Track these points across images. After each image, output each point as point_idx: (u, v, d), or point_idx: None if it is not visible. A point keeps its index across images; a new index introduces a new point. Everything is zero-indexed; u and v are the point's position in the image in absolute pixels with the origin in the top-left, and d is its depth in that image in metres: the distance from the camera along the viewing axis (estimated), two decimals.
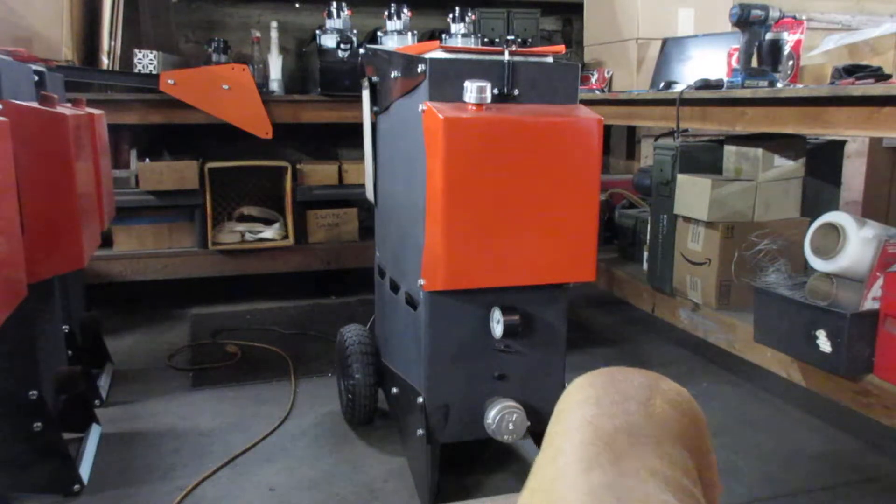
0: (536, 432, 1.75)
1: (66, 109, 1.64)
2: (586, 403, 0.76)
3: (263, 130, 2.93)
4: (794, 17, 2.36)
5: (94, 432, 1.92)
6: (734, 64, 2.31)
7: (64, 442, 1.63)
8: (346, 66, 3.02)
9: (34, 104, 1.54)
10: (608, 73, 3.28)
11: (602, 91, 3.22)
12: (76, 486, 1.65)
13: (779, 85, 2.20)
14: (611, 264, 2.95)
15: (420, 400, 1.58)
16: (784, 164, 2.30)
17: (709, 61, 2.79)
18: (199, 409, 2.13)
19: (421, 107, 1.45)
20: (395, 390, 1.80)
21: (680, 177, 2.35)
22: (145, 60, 2.88)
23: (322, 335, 2.77)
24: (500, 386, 1.60)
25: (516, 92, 1.50)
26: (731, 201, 2.25)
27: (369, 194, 2.04)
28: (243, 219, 3.24)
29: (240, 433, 1.97)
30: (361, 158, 2.09)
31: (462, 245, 1.46)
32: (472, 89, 1.42)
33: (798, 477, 1.78)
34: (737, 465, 1.83)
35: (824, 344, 1.80)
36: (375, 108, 1.91)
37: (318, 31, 3.08)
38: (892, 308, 1.71)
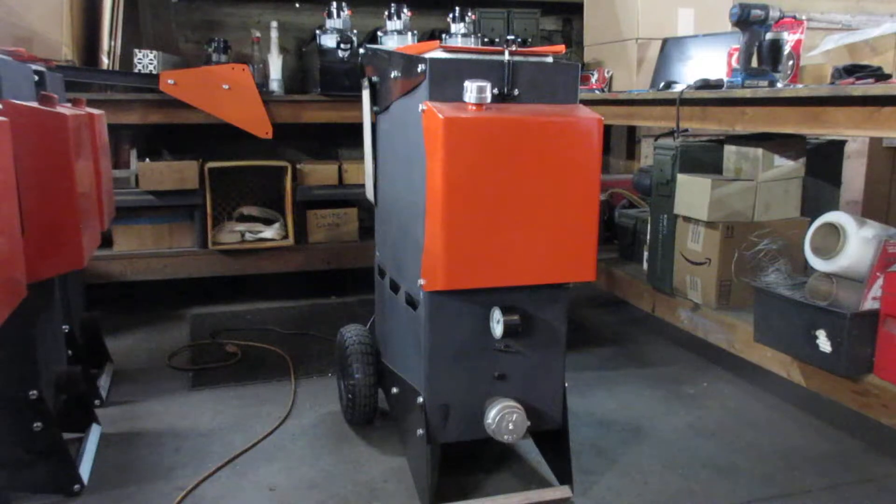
0: (536, 432, 1.75)
1: (66, 109, 1.64)
2: None
3: (263, 130, 2.93)
4: (794, 17, 2.36)
5: (94, 432, 1.92)
6: (734, 64, 2.31)
7: (64, 442, 1.63)
8: (346, 66, 3.02)
9: (34, 104, 1.54)
10: (608, 73, 3.28)
11: (602, 91, 3.22)
12: (76, 486, 1.65)
13: (779, 85, 2.20)
14: (611, 264, 2.95)
15: (420, 400, 1.58)
16: (784, 164, 2.30)
17: (709, 61, 2.79)
18: (199, 409, 2.13)
19: (421, 107, 1.45)
20: (395, 390, 1.80)
21: (680, 177, 2.35)
22: (145, 60, 2.88)
23: (322, 335, 2.77)
24: (500, 386, 1.60)
25: (516, 92, 1.50)
26: (731, 201, 2.25)
27: (369, 194, 2.04)
28: (243, 219, 3.24)
29: (240, 433, 1.97)
30: (361, 158, 2.09)
31: (462, 245, 1.46)
32: (472, 89, 1.42)
33: (798, 477, 1.78)
34: (737, 465, 1.83)
35: (824, 344, 1.80)
36: (375, 108, 1.91)
37: (318, 31, 3.08)
38: (892, 308, 1.71)
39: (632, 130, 3.93)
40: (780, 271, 2.06)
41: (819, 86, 2.17)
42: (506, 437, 1.56)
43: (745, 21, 2.19)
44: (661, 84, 2.64)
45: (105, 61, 2.83)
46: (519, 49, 1.51)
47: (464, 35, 3.12)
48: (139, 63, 2.88)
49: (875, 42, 2.55)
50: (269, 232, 3.13)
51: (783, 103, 1.93)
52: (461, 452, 1.81)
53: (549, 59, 1.54)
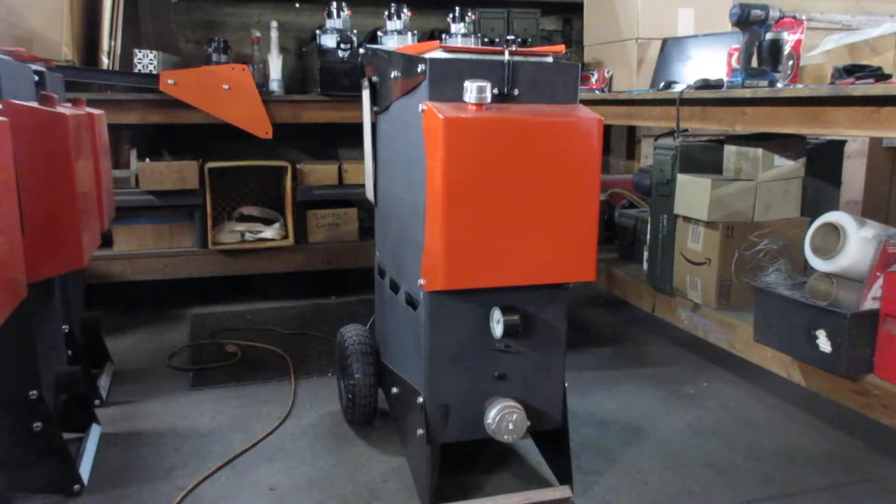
0: (536, 432, 1.75)
1: (66, 109, 1.64)
2: None
3: (263, 130, 2.93)
4: (794, 17, 2.36)
5: (94, 432, 1.92)
6: (734, 64, 2.31)
7: (64, 442, 1.63)
8: (346, 66, 3.02)
9: (34, 104, 1.54)
10: (608, 73, 3.28)
11: (602, 91, 3.22)
12: (76, 486, 1.65)
13: (779, 85, 2.20)
14: (611, 264, 2.95)
15: (420, 400, 1.58)
16: (784, 164, 2.30)
17: (709, 61, 2.79)
18: (199, 409, 2.13)
19: (421, 107, 1.45)
20: (395, 390, 1.80)
21: (680, 177, 2.35)
22: (145, 60, 2.88)
23: (322, 335, 2.77)
24: (500, 386, 1.60)
25: (516, 92, 1.50)
26: (731, 201, 2.25)
27: (369, 194, 2.05)
28: (243, 219, 3.24)
29: (240, 433, 1.97)
30: (361, 158, 2.09)
31: (462, 245, 1.46)
32: (472, 89, 1.42)
33: (798, 477, 1.78)
34: (736, 465, 1.83)
35: (824, 344, 1.80)
36: (375, 108, 1.91)
37: (318, 31, 3.08)
38: (892, 308, 1.71)
39: (632, 130, 3.93)
40: (780, 271, 2.06)
41: (819, 86, 2.17)
42: (506, 437, 1.56)
43: (745, 21, 2.19)
44: (661, 84, 2.64)
45: (105, 61, 2.83)
46: (519, 49, 1.51)
47: (464, 35, 3.12)
48: (139, 63, 2.88)
49: (875, 42, 2.56)
50: (269, 232, 3.13)
51: (783, 103, 1.93)
52: (461, 452, 1.81)
53: (549, 59, 1.54)
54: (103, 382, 2.24)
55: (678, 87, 2.46)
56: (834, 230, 1.89)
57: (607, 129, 3.74)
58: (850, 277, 1.85)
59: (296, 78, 3.53)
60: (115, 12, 2.82)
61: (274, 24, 3.19)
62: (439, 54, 1.49)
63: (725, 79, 2.26)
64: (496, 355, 1.59)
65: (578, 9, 3.62)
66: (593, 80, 3.29)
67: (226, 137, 3.05)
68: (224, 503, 1.65)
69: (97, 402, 2.12)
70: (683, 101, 2.28)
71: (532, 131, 1.45)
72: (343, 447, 1.91)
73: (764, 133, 2.22)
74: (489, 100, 1.43)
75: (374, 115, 1.93)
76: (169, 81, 2.78)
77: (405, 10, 3.05)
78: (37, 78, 1.76)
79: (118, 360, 2.47)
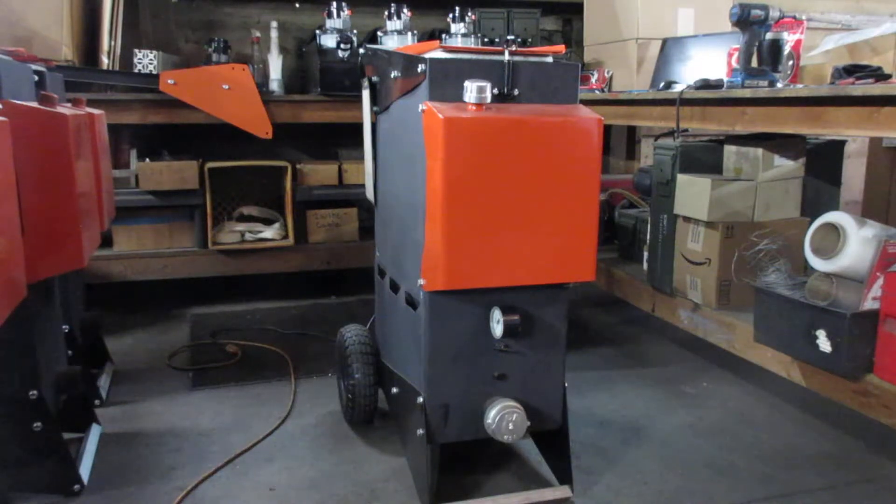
0: (536, 432, 1.75)
1: (66, 109, 1.64)
2: None
3: (263, 130, 2.93)
4: (794, 17, 2.36)
5: (94, 432, 1.92)
6: (734, 64, 2.31)
7: (64, 442, 1.63)
8: (346, 66, 3.02)
9: (34, 104, 1.54)
10: (608, 73, 3.28)
11: (602, 91, 3.22)
12: (76, 486, 1.65)
13: (779, 85, 2.20)
14: (611, 264, 2.95)
15: (420, 400, 1.58)
16: (784, 164, 2.30)
17: (709, 61, 2.79)
18: (199, 409, 2.13)
19: (421, 107, 1.45)
20: (395, 390, 1.80)
21: (680, 177, 2.35)
22: (145, 60, 2.88)
23: (322, 335, 2.77)
24: (500, 386, 1.60)
25: (516, 92, 1.50)
26: (731, 201, 2.25)
27: (369, 194, 2.05)
28: (243, 219, 3.24)
29: (240, 433, 1.97)
30: (361, 158, 2.09)
31: (462, 245, 1.46)
32: (472, 89, 1.42)
33: (798, 477, 1.78)
34: (736, 465, 1.83)
35: (824, 344, 1.80)
36: (375, 108, 1.91)
37: (318, 31, 3.08)
38: (892, 308, 1.71)
39: (632, 130, 3.93)
40: (780, 271, 2.06)
41: (819, 86, 2.17)
42: (506, 437, 1.56)
43: (745, 21, 2.19)
44: (661, 84, 2.64)
45: (105, 61, 2.83)
46: (519, 49, 1.51)
47: (464, 35, 3.13)
48: (139, 63, 2.88)
49: (875, 42, 2.55)
50: (269, 232, 3.13)
51: (783, 103, 1.93)
52: (461, 452, 1.81)
53: (549, 59, 1.54)
54: (103, 382, 2.24)
55: (678, 87, 2.46)
56: (834, 230, 1.89)
57: (607, 129, 3.74)
58: (850, 277, 1.85)
59: (296, 78, 3.53)
60: (115, 12, 2.82)
61: (274, 24, 3.19)
62: (439, 54, 1.49)
63: (725, 79, 2.27)
64: (496, 355, 1.59)
65: (578, 9, 3.61)
66: (593, 80, 3.29)
67: (226, 137, 3.05)
68: (224, 503, 1.65)
69: (97, 402, 2.12)
70: (683, 101, 2.28)
71: (532, 131, 1.45)
72: (343, 447, 1.91)
73: (764, 133, 2.22)
74: (489, 100, 1.43)
75: (374, 115, 1.93)
76: (169, 81, 2.78)
77: (405, 10, 3.05)
78: (37, 78, 1.76)
79: (118, 360, 2.47)
